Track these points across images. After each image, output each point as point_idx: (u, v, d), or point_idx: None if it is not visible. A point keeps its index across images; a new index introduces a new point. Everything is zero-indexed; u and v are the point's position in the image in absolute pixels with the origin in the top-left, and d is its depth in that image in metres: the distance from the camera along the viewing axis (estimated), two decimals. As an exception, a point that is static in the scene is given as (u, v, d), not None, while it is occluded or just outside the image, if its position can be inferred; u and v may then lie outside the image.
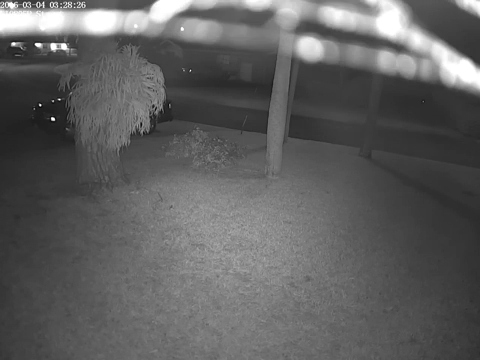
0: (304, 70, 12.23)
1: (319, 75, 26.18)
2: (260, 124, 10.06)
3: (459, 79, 1.18)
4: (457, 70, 1.18)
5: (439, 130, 18.61)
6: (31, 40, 50.36)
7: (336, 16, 1.11)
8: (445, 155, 13.03)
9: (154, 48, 35.10)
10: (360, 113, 14.05)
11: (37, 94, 16.02)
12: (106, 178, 7.01)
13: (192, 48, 37.08)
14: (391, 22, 1.10)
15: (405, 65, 1.26)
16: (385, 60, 1.30)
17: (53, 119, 10.20)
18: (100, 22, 1.20)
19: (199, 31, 1.23)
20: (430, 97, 25.09)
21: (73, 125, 6.75)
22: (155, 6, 1.11)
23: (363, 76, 13.24)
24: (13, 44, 48.93)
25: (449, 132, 18.58)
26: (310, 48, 1.28)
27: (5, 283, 4.10)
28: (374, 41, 1.33)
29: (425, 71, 1.22)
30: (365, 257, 5.39)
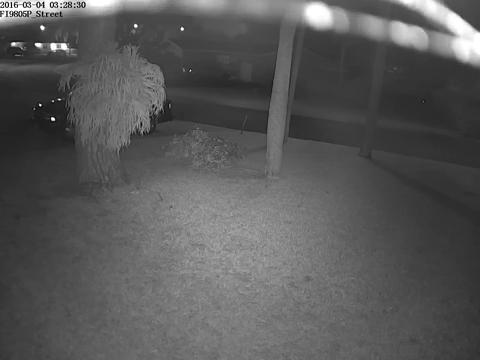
0: (304, 70, 12.23)
1: (319, 75, 26.25)
2: (260, 124, 10.06)
3: (473, 54, 1.15)
4: (471, 45, 1.15)
5: (439, 130, 18.62)
6: (31, 40, 50.35)
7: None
8: (445, 155, 13.04)
9: (154, 48, 35.16)
10: (360, 113, 14.05)
11: (37, 94, 16.03)
12: (106, 178, 7.01)
13: (192, 48, 37.14)
14: None
15: (418, 37, 1.23)
16: (398, 31, 1.27)
17: (53, 119, 10.20)
18: None
19: (202, 2, 1.21)
20: (430, 97, 25.14)
21: (73, 125, 6.74)
22: None
23: (363, 76, 13.26)
24: (13, 44, 48.94)
25: (449, 132, 18.58)
26: (319, 16, 1.25)
27: (5, 283, 4.10)
28: (387, 9, 1.29)
29: (438, 45, 1.19)
30: (365, 257, 5.39)
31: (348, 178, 9.09)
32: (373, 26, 1.27)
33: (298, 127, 13.29)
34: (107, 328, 3.58)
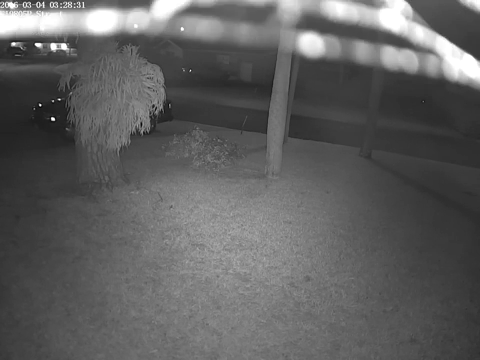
0: (304, 70, 12.22)
1: (319, 75, 26.23)
2: (260, 124, 10.06)
3: (462, 74, 1.17)
4: (460, 65, 1.16)
5: (439, 130, 18.62)
6: (31, 40, 50.31)
7: (338, 10, 1.10)
8: (445, 155, 13.04)
9: (154, 48, 35.11)
10: (360, 113, 14.05)
11: (37, 94, 16.01)
12: (106, 178, 7.00)
13: (192, 48, 37.10)
14: (394, 16, 1.08)
15: (408, 60, 1.24)
16: (388, 55, 1.28)
17: (53, 119, 10.20)
18: (101, 21, 1.19)
19: (200, 29, 1.22)
20: (430, 97, 25.11)
21: (73, 125, 6.74)
22: (156, 4, 1.11)
23: (363, 76, 13.26)
24: (13, 44, 48.90)
25: (449, 132, 18.59)
26: (312, 44, 1.27)
27: (5, 283, 4.10)
28: (377, 36, 1.31)
29: (428, 66, 1.20)
30: (365, 257, 5.38)
31: (348, 178, 9.08)
32: (364, 51, 1.28)
33: (298, 127, 13.29)
34: (107, 328, 3.58)
